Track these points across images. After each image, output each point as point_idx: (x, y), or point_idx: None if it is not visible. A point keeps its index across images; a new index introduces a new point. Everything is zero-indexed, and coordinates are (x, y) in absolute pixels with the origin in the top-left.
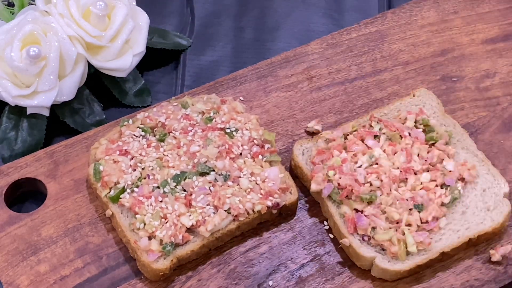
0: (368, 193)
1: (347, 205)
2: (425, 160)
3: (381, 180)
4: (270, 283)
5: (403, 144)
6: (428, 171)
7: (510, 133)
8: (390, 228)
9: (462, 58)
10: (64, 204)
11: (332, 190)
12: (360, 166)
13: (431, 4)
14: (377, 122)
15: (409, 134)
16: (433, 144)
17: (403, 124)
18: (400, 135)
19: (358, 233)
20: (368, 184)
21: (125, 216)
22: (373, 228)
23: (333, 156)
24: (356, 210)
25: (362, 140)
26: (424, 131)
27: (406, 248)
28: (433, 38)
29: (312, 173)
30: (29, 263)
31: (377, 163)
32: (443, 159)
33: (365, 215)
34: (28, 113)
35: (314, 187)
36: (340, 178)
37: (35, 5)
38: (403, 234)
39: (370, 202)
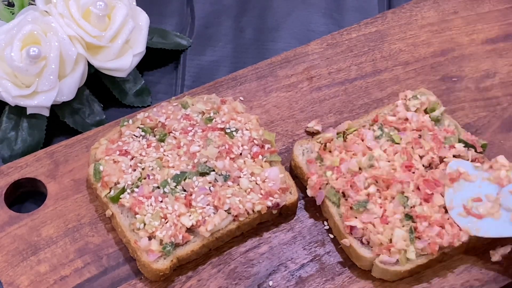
0: (362, 202)
1: (343, 205)
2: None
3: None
4: (270, 283)
5: (403, 143)
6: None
7: (510, 133)
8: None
9: (462, 58)
10: (64, 204)
11: (330, 192)
12: (359, 169)
13: (431, 4)
14: (381, 124)
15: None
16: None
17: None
18: (398, 129)
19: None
20: (366, 192)
21: (125, 216)
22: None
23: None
24: None
25: (362, 140)
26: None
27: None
28: (433, 38)
29: (308, 174)
30: (29, 263)
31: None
32: (444, 158)
33: (362, 221)
34: (28, 113)
35: (309, 193)
36: (337, 179)
37: (35, 5)
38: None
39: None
